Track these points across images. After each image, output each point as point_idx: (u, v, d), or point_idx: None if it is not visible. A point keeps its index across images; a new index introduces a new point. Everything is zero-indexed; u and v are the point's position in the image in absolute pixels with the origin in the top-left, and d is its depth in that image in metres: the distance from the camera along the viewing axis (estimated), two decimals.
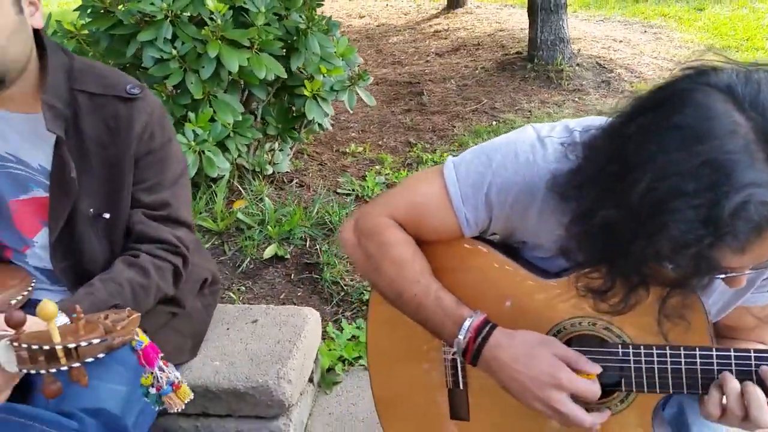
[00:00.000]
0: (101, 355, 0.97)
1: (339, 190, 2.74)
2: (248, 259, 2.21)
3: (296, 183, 2.82)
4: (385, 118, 3.84)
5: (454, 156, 1.02)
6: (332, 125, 3.16)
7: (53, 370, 0.94)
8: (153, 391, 1.09)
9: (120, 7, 2.09)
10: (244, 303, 2.01)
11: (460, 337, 0.94)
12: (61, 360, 0.93)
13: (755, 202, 0.65)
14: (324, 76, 2.35)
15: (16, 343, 0.94)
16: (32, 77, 1.21)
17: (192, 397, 1.14)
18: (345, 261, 2.18)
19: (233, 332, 1.55)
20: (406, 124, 3.71)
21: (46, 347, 0.92)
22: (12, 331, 0.97)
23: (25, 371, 0.97)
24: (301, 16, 2.23)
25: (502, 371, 0.92)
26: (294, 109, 2.58)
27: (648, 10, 6.73)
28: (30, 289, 1.28)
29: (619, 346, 0.93)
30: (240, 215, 2.36)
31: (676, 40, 5.44)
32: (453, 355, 1.06)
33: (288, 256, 2.23)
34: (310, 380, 1.59)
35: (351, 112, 2.68)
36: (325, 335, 1.81)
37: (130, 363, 1.26)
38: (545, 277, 0.99)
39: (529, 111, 3.81)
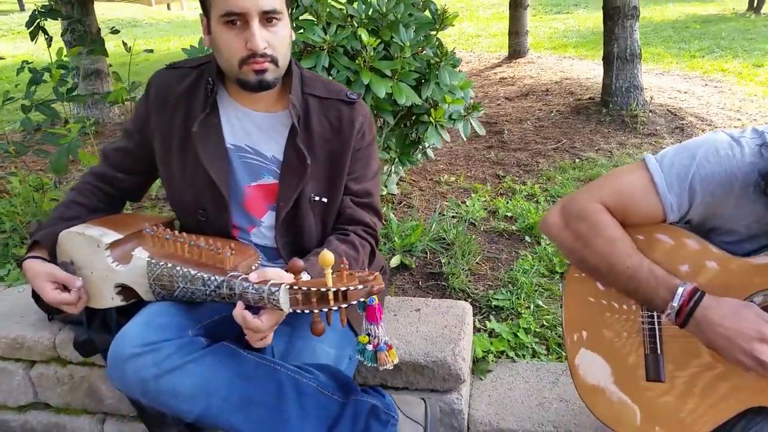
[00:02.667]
0: (361, 300, 1.16)
1: (445, 213, 2.94)
2: None
3: (404, 204, 3.05)
4: (469, 154, 4.07)
5: (653, 154, 1.21)
6: None
7: (324, 310, 1.12)
8: (369, 348, 1.27)
9: None
10: None
11: (674, 302, 1.12)
12: (330, 302, 1.11)
13: None
14: (448, 106, 2.59)
15: (295, 287, 1.14)
16: (280, 82, 1.46)
17: (397, 361, 1.33)
18: (467, 272, 2.37)
19: (401, 318, 1.74)
20: (491, 158, 3.94)
21: (322, 289, 1.10)
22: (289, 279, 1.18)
23: (296, 311, 1.16)
24: (434, 52, 2.49)
25: (711, 329, 1.10)
26: (410, 135, 2.82)
27: (706, 65, 6.96)
28: (259, 261, 1.50)
29: None
30: None
31: (740, 93, 5.62)
32: (649, 323, 1.24)
33: (413, 266, 2.42)
34: None
35: (464, 139, 2.90)
36: None
37: (339, 329, 1.46)
38: (736, 255, 1.17)
39: (609, 151, 4.01)
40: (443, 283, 2.30)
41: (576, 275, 1.32)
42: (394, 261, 2.41)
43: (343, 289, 1.10)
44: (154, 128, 1.51)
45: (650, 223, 1.21)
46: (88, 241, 1.47)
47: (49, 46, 3.27)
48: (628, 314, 1.26)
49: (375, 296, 1.21)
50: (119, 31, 3.67)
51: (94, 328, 1.73)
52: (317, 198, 1.49)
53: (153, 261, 1.36)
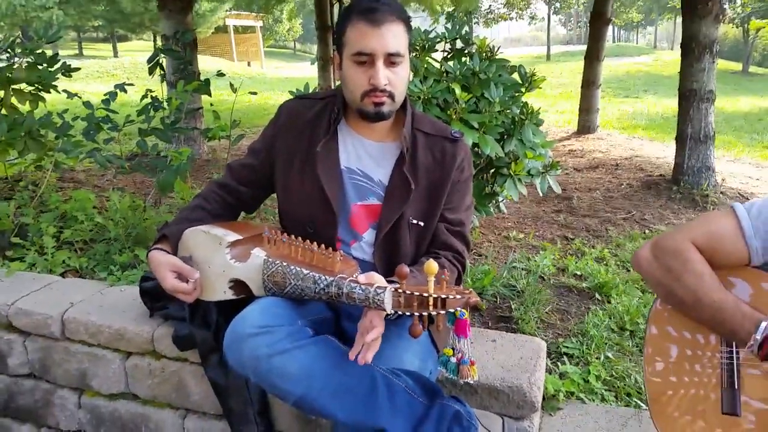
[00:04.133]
0: (459, 309, 1.27)
1: (516, 264, 3.04)
2: None
3: (475, 252, 3.16)
4: (537, 215, 4.17)
5: (741, 203, 1.31)
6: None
7: (424, 313, 1.22)
8: (453, 360, 1.37)
9: None
10: None
11: (757, 335, 1.19)
12: (429, 306, 1.21)
13: None
14: (528, 161, 2.73)
15: (400, 290, 1.26)
16: (393, 117, 1.65)
17: (477, 378, 1.42)
18: (537, 319, 2.44)
19: (477, 346, 1.83)
20: (560, 221, 4.02)
21: (424, 294, 1.21)
22: (393, 284, 1.31)
23: (397, 312, 1.28)
24: (520, 110, 2.67)
25: None
26: (487, 188, 2.96)
27: None
28: (359, 272, 1.64)
29: None
30: None
31: None
32: (728, 358, 1.30)
33: (484, 308, 2.51)
34: None
35: (541, 194, 3.02)
36: None
37: (423, 343, 1.58)
38: None
39: (679, 227, 4.02)
40: (513, 326, 2.38)
41: (660, 308, 1.40)
42: None
43: (443, 296, 1.21)
44: (280, 148, 1.72)
45: (736, 265, 1.29)
46: (212, 239, 1.65)
47: (163, 80, 3.63)
48: (706, 348, 1.33)
49: (466, 311, 1.32)
50: (224, 74, 4.04)
51: (195, 324, 1.91)
52: (415, 221, 1.65)
53: (269, 260, 1.52)
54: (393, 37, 1.51)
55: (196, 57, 4.99)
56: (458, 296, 1.22)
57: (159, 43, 4.49)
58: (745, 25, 19.43)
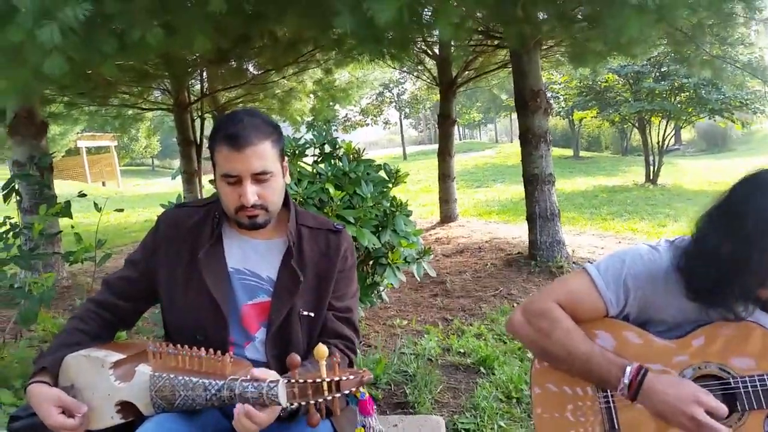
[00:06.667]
0: (353, 389, 1.30)
1: (404, 350, 3.13)
2: None
3: (364, 344, 3.22)
4: (416, 301, 4.35)
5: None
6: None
7: (320, 400, 1.21)
8: None
9: None
10: None
11: (625, 379, 1.36)
12: (324, 392, 1.21)
13: None
14: (403, 249, 2.91)
15: (292, 380, 1.24)
16: (276, 216, 1.72)
17: None
18: (432, 400, 2.52)
19: None
20: (438, 305, 4.23)
21: (318, 380, 1.21)
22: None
23: (292, 404, 1.28)
24: (390, 203, 2.87)
25: (656, 398, 1.33)
26: (368, 279, 3.08)
27: (617, 225, 7.82)
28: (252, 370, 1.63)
29: (731, 378, 1.36)
30: None
31: None
32: (605, 402, 1.45)
33: (380, 397, 2.55)
34: None
35: (419, 279, 3.18)
36: None
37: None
38: (666, 340, 1.44)
39: None
40: (410, 410, 2.43)
41: (538, 368, 1.54)
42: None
43: (336, 379, 1.21)
44: (162, 258, 1.71)
45: (596, 317, 1.48)
46: (93, 363, 1.57)
47: (19, 207, 3.44)
48: (585, 399, 1.48)
49: (365, 391, 1.36)
50: (86, 195, 3.91)
51: None
52: (305, 313, 1.69)
53: (155, 374, 1.46)
54: (257, 158, 1.58)
55: (52, 181, 4.79)
56: (351, 377, 1.23)
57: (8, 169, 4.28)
58: (570, 117, 22.26)
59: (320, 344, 1.25)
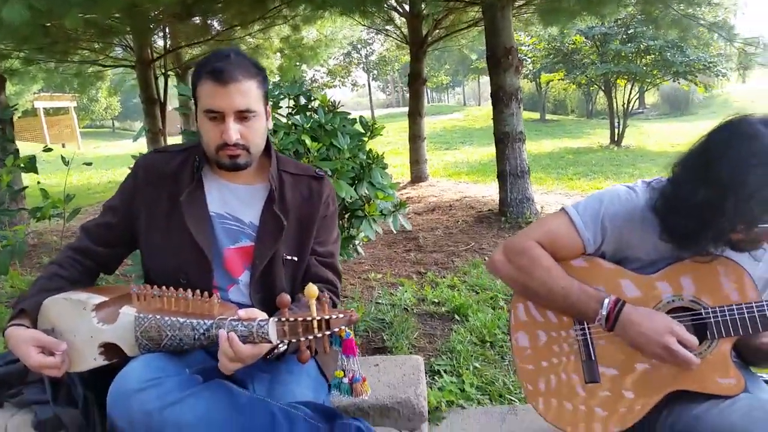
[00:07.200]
0: (344, 328, 1.32)
1: (380, 300, 3.17)
2: None
3: (341, 295, 3.25)
4: (390, 257, 4.40)
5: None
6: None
7: (310, 337, 1.25)
8: (345, 381, 1.44)
9: None
10: None
11: (603, 311, 1.41)
12: (315, 330, 1.24)
13: None
14: (380, 201, 2.92)
15: (283, 318, 1.28)
16: (258, 161, 1.71)
17: (370, 392, 1.49)
18: (409, 345, 2.58)
19: (363, 370, 1.89)
20: (411, 260, 4.28)
21: (308, 318, 1.24)
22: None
23: (283, 341, 1.30)
24: (366, 156, 2.87)
25: (632, 328, 1.39)
26: (343, 232, 3.09)
27: (583, 185, 7.97)
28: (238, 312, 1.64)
29: (702, 309, 1.42)
30: None
31: None
32: (582, 334, 1.51)
33: (359, 343, 2.60)
34: None
35: (395, 231, 3.21)
36: None
37: (313, 375, 1.63)
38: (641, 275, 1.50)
39: None
40: (388, 354, 2.48)
41: (519, 303, 1.59)
42: None
43: (326, 317, 1.25)
44: (141, 203, 1.69)
45: (574, 256, 1.53)
46: (75, 305, 1.56)
47: None
48: (562, 330, 1.54)
49: (351, 331, 1.39)
50: (51, 149, 3.80)
51: (60, 403, 1.75)
52: (289, 257, 1.70)
53: (141, 315, 1.46)
54: (241, 95, 1.56)
55: (14, 135, 4.62)
56: (341, 315, 1.26)
57: None
58: (537, 80, 22.37)
59: (310, 284, 1.27)
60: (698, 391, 1.42)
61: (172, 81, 9.26)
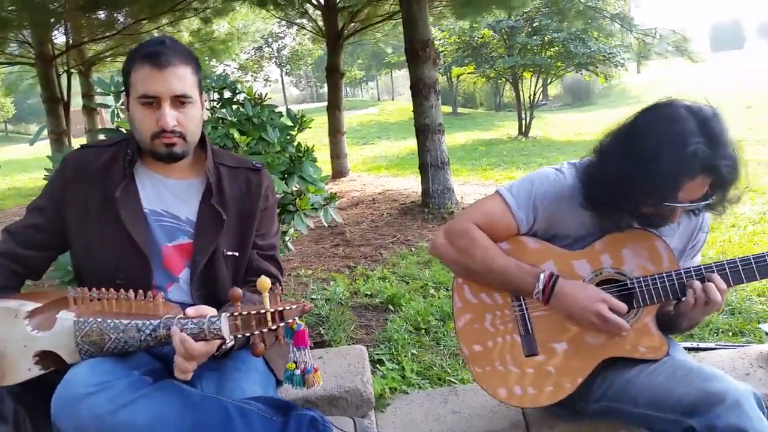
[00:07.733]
0: (297, 318, 1.33)
1: (315, 296, 3.18)
2: None
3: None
4: (319, 252, 4.40)
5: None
6: None
7: (264, 330, 1.23)
8: (297, 372, 1.45)
9: None
10: None
11: (539, 285, 1.50)
12: (269, 322, 1.23)
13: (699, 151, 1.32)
14: (311, 195, 2.92)
15: (236, 313, 1.26)
16: (192, 154, 1.68)
17: (322, 383, 1.51)
18: (346, 337, 2.61)
19: None
20: (340, 254, 4.31)
21: (262, 311, 1.23)
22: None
23: (236, 336, 1.29)
24: (296, 149, 2.86)
25: (567, 299, 1.49)
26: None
27: (497, 175, 8.28)
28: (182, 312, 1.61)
29: (627, 280, 1.55)
30: None
31: None
32: (519, 310, 1.60)
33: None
34: None
35: (326, 225, 3.22)
36: None
37: (261, 370, 1.63)
38: (571, 250, 1.60)
39: None
40: (328, 348, 2.50)
41: (460, 282, 1.66)
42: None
43: (279, 309, 1.24)
44: (71, 201, 1.61)
45: (510, 236, 1.61)
46: (5, 313, 1.47)
47: None
48: (501, 307, 1.63)
49: (302, 322, 1.40)
50: None
51: None
52: (230, 253, 1.68)
53: (80, 320, 1.40)
54: (178, 80, 1.53)
55: None
56: (294, 306, 1.26)
57: None
58: (449, 73, 22.90)
59: (263, 276, 1.26)
60: (628, 357, 1.55)
61: (76, 80, 8.74)
